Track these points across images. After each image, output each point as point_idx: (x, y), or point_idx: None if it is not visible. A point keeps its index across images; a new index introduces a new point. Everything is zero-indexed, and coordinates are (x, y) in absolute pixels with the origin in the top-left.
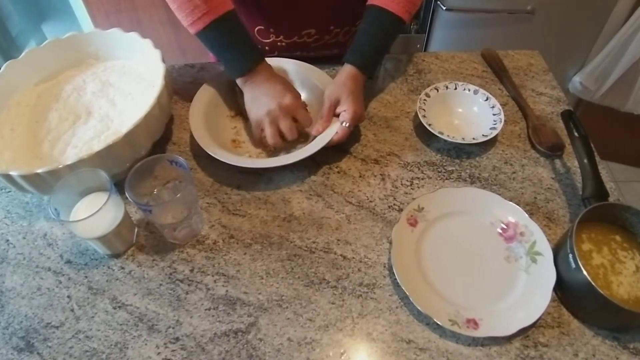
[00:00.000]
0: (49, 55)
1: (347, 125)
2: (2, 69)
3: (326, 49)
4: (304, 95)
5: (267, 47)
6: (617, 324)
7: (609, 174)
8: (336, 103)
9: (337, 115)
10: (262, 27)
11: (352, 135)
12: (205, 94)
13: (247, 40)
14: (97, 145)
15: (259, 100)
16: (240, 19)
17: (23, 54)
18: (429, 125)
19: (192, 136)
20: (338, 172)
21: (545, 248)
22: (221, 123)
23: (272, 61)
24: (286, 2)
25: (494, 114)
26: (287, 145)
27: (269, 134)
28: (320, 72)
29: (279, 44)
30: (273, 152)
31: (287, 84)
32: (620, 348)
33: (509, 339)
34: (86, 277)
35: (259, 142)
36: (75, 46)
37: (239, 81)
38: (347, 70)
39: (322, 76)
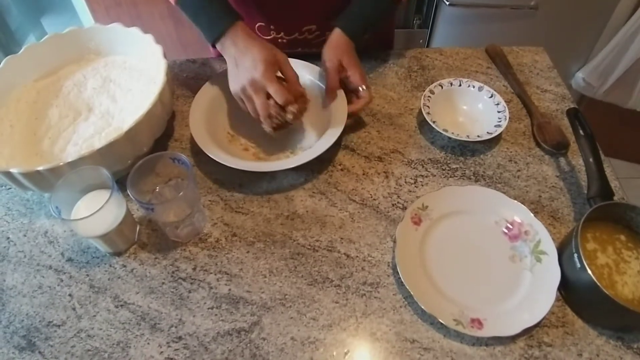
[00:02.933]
0: (49, 50)
1: (365, 87)
2: (1, 64)
3: None
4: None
5: None
6: (621, 324)
7: (613, 172)
8: (340, 67)
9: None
10: (263, 24)
11: (355, 132)
12: (207, 94)
13: (221, 2)
14: (98, 142)
15: (234, 72)
16: None
17: (22, 49)
18: (433, 122)
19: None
20: (341, 170)
21: (549, 247)
22: (220, 122)
23: None
24: None
25: (498, 112)
26: (276, 124)
27: (250, 110)
28: (318, 68)
29: (279, 40)
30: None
31: (262, 50)
32: (624, 348)
33: (513, 338)
34: (88, 275)
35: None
36: (76, 41)
37: (218, 48)
38: (338, 34)
39: (318, 73)
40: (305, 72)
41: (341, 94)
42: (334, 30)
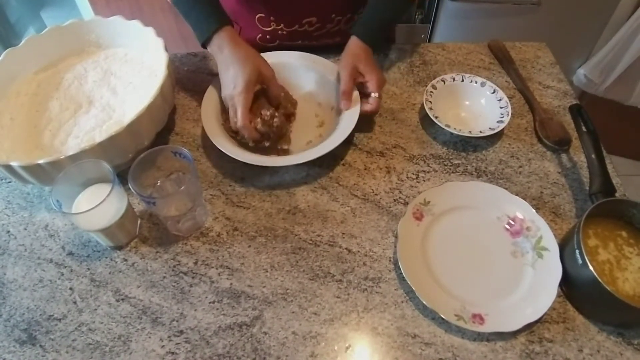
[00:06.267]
0: (49, 43)
1: (377, 95)
2: (1, 57)
3: (328, 38)
4: (309, 87)
5: (268, 36)
6: (622, 320)
7: (614, 169)
8: (355, 72)
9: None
10: (263, 15)
11: (357, 127)
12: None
13: (212, 3)
14: (99, 136)
15: (221, 79)
16: None
17: (23, 41)
18: (436, 117)
19: (203, 130)
20: (343, 165)
21: (551, 243)
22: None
23: (273, 55)
24: None
25: (501, 107)
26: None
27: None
28: (324, 60)
29: (279, 32)
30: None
31: (244, 65)
32: (624, 344)
33: (514, 334)
34: (89, 269)
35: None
36: (76, 34)
37: (209, 50)
38: (354, 41)
39: (326, 63)
40: (312, 64)
41: (356, 95)
42: (350, 38)
